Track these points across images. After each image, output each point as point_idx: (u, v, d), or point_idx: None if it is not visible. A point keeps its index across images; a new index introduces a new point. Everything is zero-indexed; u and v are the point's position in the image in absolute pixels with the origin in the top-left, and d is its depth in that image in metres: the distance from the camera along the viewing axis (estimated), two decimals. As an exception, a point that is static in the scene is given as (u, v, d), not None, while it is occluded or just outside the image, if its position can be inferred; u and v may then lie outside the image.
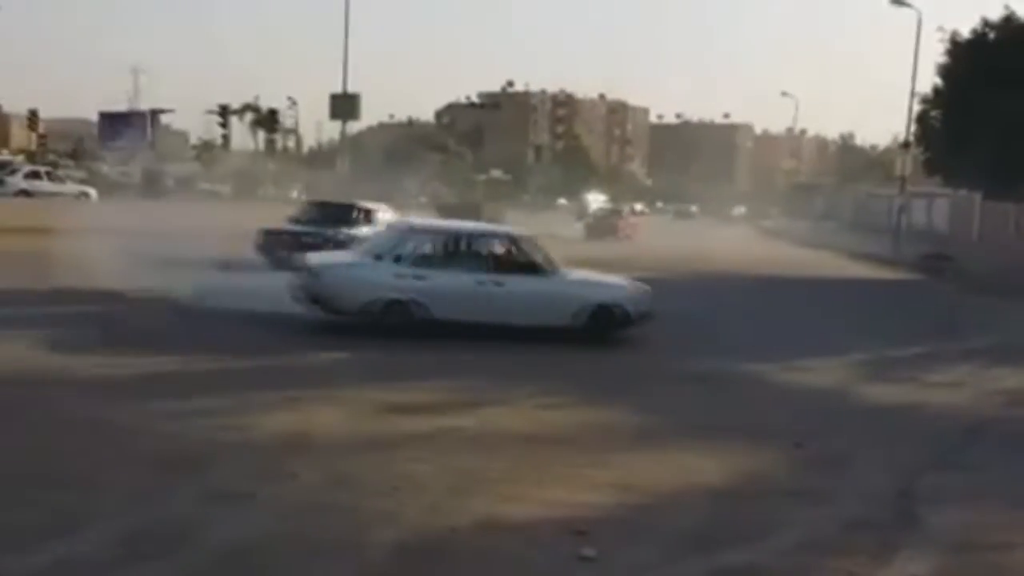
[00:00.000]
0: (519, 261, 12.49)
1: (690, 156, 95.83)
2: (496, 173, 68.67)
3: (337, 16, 68.86)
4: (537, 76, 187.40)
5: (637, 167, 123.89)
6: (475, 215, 32.41)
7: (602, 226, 38.87)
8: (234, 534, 5.35)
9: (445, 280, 11.87)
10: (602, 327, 12.36)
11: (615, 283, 13.22)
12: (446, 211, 33.91)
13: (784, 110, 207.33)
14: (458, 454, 7.11)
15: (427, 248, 12.36)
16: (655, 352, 12.24)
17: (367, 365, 10.18)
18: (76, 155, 74.20)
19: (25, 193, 38.57)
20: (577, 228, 38.54)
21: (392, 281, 11.76)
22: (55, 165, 59.04)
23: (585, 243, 31.88)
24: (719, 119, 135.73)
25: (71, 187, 36.30)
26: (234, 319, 11.94)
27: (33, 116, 67.70)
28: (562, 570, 5.21)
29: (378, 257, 12.19)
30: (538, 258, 12.53)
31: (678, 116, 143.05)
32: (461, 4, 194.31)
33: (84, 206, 34.59)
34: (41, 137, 70.96)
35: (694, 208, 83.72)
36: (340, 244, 16.09)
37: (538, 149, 70.90)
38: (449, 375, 9.94)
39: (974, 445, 8.59)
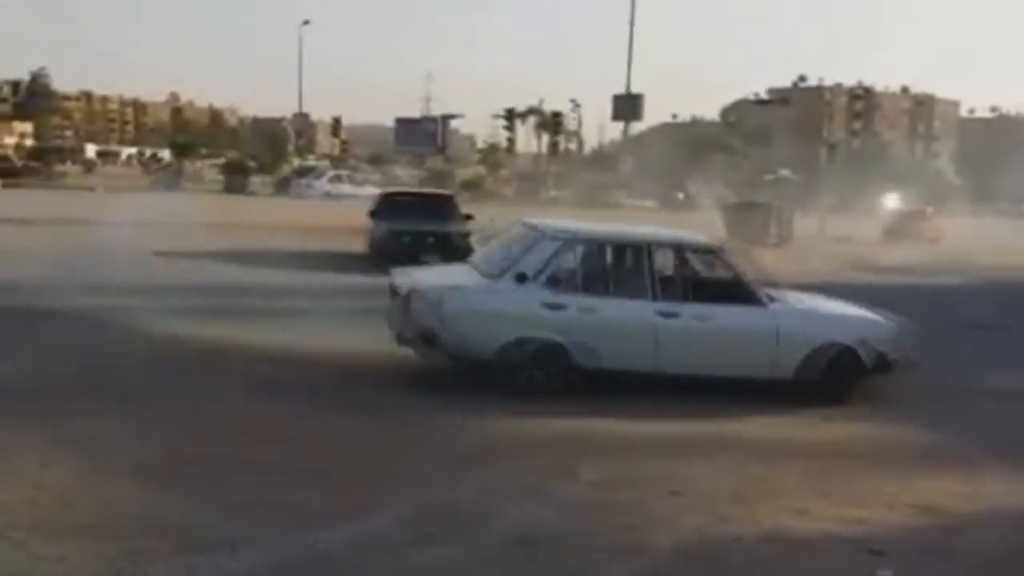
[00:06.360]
0: (717, 283, 9.14)
1: (1006, 151, 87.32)
2: (784, 173, 66.14)
3: (622, 17, 69.27)
4: (831, 69, 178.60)
5: (944, 164, 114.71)
6: (764, 217, 31.04)
7: (902, 228, 35.80)
8: (520, 525, 5.51)
9: (618, 311, 8.66)
10: (844, 378, 8.99)
11: (862, 317, 9.50)
12: (732, 212, 32.70)
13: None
14: (741, 462, 6.93)
15: (581, 263, 8.94)
16: (938, 365, 11.23)
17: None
18: (377, 160, 79.87)
19: (329, 196, 42.20)
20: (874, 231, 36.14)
21: (542, 314, 8.49)
22: (355, 169, 63.95)
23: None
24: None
25: (369, 190, 39.06)
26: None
27: (336, 123, 73.45)
28: (855, 590, 4.94)
29: (520, 277, 8.60)
30: (745, 279, 9.13)
31: (993, 109, 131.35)
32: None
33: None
34: (343, 143, 76.83)
35: None
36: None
37: (831, 147, 67.26)
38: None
39: None
